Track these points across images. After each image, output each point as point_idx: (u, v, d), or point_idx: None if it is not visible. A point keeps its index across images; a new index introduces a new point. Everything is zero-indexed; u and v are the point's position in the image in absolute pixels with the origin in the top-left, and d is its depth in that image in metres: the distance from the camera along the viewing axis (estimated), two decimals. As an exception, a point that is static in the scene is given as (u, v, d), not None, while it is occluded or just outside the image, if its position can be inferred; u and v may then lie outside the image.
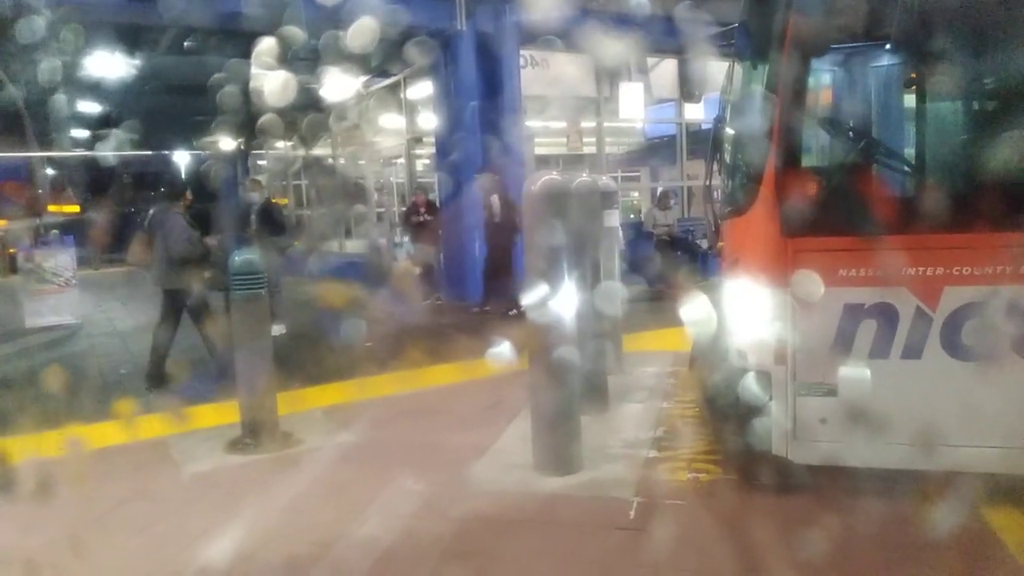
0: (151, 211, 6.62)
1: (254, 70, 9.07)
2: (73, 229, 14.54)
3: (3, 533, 3.43)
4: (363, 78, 12.62)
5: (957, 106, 3.86)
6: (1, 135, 17.26)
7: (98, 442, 4.78)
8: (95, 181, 24.55)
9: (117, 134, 18.48)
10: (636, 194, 16.25)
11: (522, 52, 10.43)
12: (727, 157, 4.12)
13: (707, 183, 4.58)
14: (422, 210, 10.48)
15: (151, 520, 3.64)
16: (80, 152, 23.08)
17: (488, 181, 9.31)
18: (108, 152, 20.73)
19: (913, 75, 4.09)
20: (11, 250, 16.22)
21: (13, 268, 12.23)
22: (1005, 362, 3.08)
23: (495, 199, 9.22)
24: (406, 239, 11.54)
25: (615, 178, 11.82)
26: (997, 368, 3.09)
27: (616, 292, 5.49)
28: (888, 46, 4.16)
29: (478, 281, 9.80)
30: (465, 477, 3.93)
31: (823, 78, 4.51)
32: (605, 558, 3.06)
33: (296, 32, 8.36)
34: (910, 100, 4.17)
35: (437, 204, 10.99)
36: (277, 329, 7.98)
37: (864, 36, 3.97)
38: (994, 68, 3.58)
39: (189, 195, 6.70)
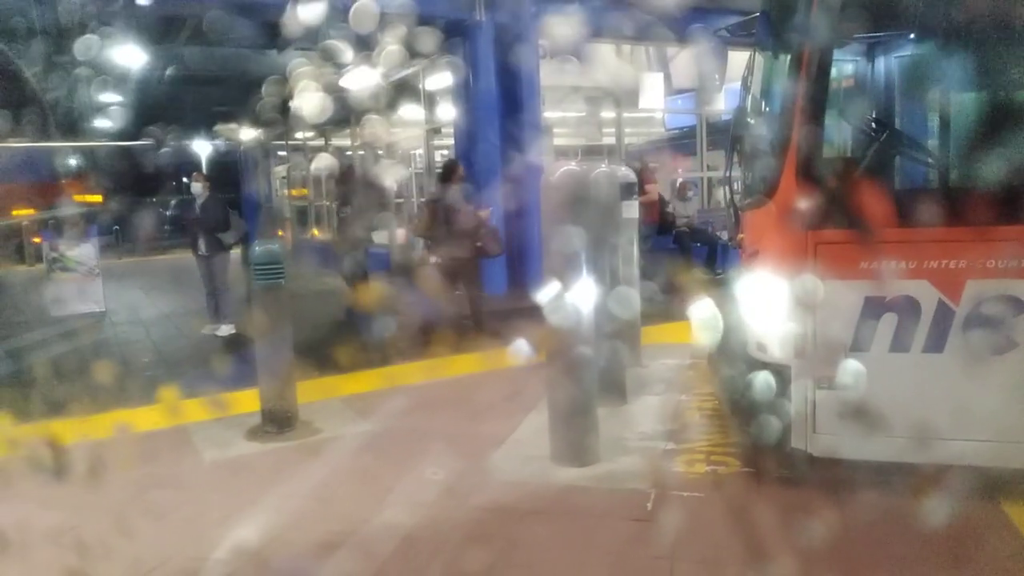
0: (433, 189, 7.32)
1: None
2: (96, 219, 14.71)
3: (26, 518, 3.48)
4: (383, 68, 12.63)
5: (983, 97, 3.80)
6: (27, 126, 17.47)
7: (118, 429, 4.84)
8: (120, 171, 24.78)
9: (147, 126, 18.64)
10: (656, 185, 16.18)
11: (541, 42, 10.38)
12: (747, 148, 4.09)
13: (727, 174, 4.55)
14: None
15: (172, 506, 3.69)
16: (105, 143, 23.31)
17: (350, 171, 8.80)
18: (133, 143, 20.92)
19: (939, 65, 4.03)
20: (36, 239, 16.43)
21: (38, 257, 12.42)
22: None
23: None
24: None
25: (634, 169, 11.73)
26: (1020, 362, 3.06)
27: (634, 285, 5.47)
28: (913, 36, 4.11)
29: (498, 271, 9.78)
30: (482, 467, 3.95)
31: (845, 68, 4.46)
32: (621, 549, 3.07)
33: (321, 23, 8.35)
34: (935, 91, 4.10)
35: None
36: (225, 329, 8.04)
37: (888, 25, 3.92)
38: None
39: (461, 171, 7.36)
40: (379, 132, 13.82)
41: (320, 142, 17.68)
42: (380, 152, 14.58)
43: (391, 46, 9.39)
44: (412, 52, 9.94)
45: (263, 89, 12.06)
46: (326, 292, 10.03)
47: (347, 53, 9.93)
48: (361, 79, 11.73)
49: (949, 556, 2.90)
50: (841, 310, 3.22)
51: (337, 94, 12.14)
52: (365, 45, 9.59)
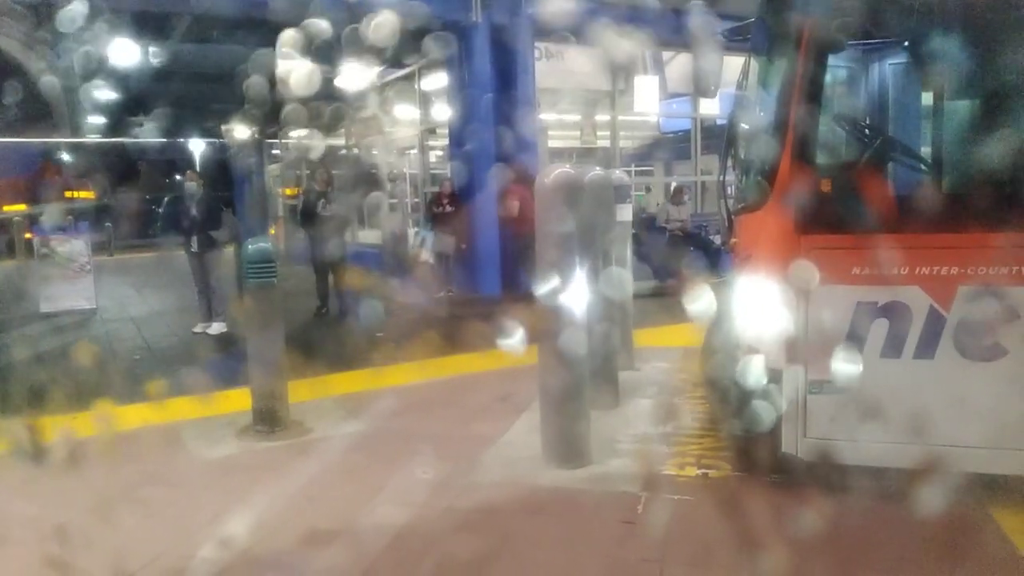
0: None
1: (279, 60, 9.07)
2: (88, 215, 14.64)
3: (15, 514, 3.47)
4: (378, 68, 12.63)
5: (976, 104, 3.82)
6: (25, 122, 17.39)
7: (109, 427, 4.81)
8: (113, 167, 24.69)
9: (140, 121, 18.54)
10: (650, 189, 16.20)
11: (537, 44, 10.39)
12: (741, 153, 4.10)
13: (721, 178, 4.56)
14: (445, 201, 10.44)
15: (162, 504, 3.67)
16: (100, 139, 23.23)
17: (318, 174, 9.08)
18: (128, 139, 20.84)
19: (931, 72, 4.06)
20: (27, 235, 16.35)
21: (29, 253, 12.36)
22: (1018, 362, 3.06)
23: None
24: (424, 228, 11.52)
25: (628, 172, 11.75)
26: (1010, 368, 3.07)
27: (624, 281, 5.47)
28: (906, 43, 4.13)
29: (492, 272, 9.79)
30: (473, 467, 3.95)
31: (840, 74, 4.48)
32: (612, 550, 3.07)
33: (317, 22, 8.35)
34: (927, 98, 4.13)
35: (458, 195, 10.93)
36: (217, 328, 8.02)
37: (882, 33, 3.94)
38: (1015, 65, 3.54)
39: None
40: (374, 132, 13.81)
41: (315, 141, 17.65)
42: (375, 152, 14.57)
43: (387, 46, 9.39)
44: (408, 52, 9.95)
45: (258, 87, 12.03)
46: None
47: (343, 52, 9.91)
48: (357, 79, 11.72)
49: (937, 561, 2.91)
50: (833, 315, 3.23)
51: (333, 94, 12.13)
52: (361, 45, 9.58)
